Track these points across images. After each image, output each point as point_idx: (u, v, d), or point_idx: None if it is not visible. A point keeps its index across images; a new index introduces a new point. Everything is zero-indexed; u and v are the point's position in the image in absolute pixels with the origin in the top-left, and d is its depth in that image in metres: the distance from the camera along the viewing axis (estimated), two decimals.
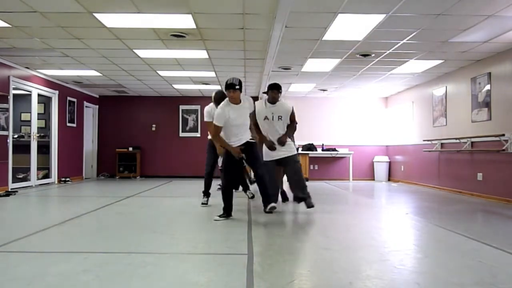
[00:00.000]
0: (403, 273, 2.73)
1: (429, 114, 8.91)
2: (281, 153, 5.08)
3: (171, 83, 9.65)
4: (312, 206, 5.02)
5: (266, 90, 5.28)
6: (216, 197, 5.36)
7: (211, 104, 5.55)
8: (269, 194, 4.77)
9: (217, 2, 4.56)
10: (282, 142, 5.03)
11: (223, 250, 3.27)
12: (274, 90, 5.12)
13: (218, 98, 5.30)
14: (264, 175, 4.73)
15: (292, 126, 5.22)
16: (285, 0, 4.25)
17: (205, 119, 5.58)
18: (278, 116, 5.07)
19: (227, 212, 4.64)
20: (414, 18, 4.94)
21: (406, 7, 4.57)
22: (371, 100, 11.49)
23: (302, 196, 5.05)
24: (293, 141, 5.45)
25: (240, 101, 4.54)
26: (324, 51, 6.54)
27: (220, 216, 4.59)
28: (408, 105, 10.09)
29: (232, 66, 7.74)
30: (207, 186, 5.68)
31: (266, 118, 5.07)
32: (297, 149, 5.35)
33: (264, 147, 5.14)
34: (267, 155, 5.12)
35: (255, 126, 5.16)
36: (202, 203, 5.61)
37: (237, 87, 4.39)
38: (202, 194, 5.69)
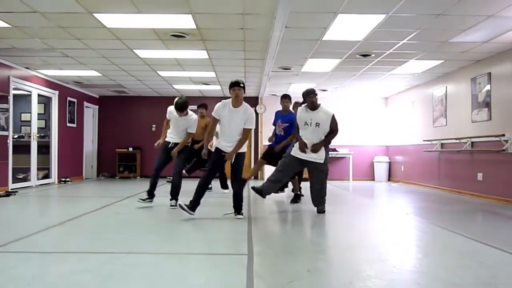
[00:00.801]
0: (403, 273, 2.73)
1: (429, 114, 8.90)
2: (309, 155, 5.00)
3: (171, 83, 9.65)
4: (323, 212, 5.10)
5: (303, 100, 5.16)
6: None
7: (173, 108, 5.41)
8: (240, 203, 4.72)
9: (217, 2, 4.56)
10: (314, 150, 4.96)
11: (223, 250, 3.27)
12: (311, 95, 5.00)
13: (182, 103, 5.23)
14: (239, 189, 4.69)
15: (330, 136, 5.03)
16: (285, 0, 4.26)
17: (167, 116, 5.53)
18: (316, 123, 4.96)
19: (195, 205, 4.59)
20: (414, 18, 4.94)
21: (406, 7, 4.57)
22: (371, 100, 11.49)
23: (317, 206, 5.17)
24: (328, 148, 5.22)
25: (240, 106, 4.54)
26: (324, 51, 6.54)
27: (185, 205, 4.56)
28: (408, 105, 10.09)
29: (232, 66, 7.74)
30: (152, 185, 5.50)
31: (305, 124, 5.01)
32: (327, 157, 5.15)
33: (296, 145, 5.11)
34: (295, 151, 5.07)
35: (296, 129, 5.19)
36: (140, 199, 5.48)
37: (242, 85, 4.50)
38: (172, 198, 5.43)
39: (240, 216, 4.63)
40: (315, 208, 5.16)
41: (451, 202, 6.50)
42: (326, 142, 5.03)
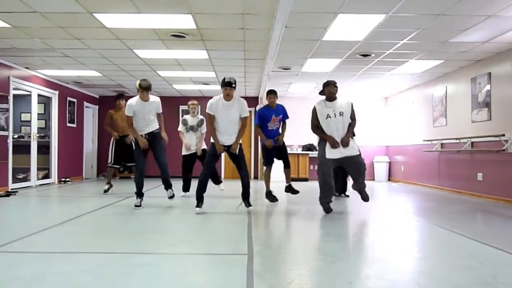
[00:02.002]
0: (403, 273, 2.73)
1: (429, 114, 8.90)
2: (343, 151, 4.91)
3: (171, 83, 9.65)
4: (367, 200, 5.21)
5: (321, 89, 5.12)
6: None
7: (135, 98, 5.22)
8: (248, 193, 5.14)
9: (217, 2, 4.56)
10: (345, 143, 4.88)
11: (223, 250, 3.27)
12: (331, 85, 4.97)
13: (148, 83, 5.12)
14: (247, 177, 5.09)
15: (351, 126, 5.02)
16: (285, 0, 4.26)
17: (126, 113, 5.21)
18: (340, 112, 4.91)
19: (200, 200, 4.95)
20: (414, 18, 4.94)
21: (406, 7, 4.57)
22: (371, 100, 11.49)
23: (364, 197, 5.22)
24: (353, 138, 5.18)
25: (232, 100, 4.83)
26: (324, 51, 6.54)
27: (199, 207, 4.92)
28: (408, 105, 10.09)
29: (232, 66, 7.74)
30: (141, 187, 5.36)
31: (328, 116, 4.91)
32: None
33: (327, 144, 4.95)
34: (329, 152, 4.94)
35: (316, 128, 5.05)
36: (136, 206, 5.29)
37: (234, 85, 4.78)
38: (135, 196, 5.38)
39: (250, 206, 5.07)
40: (318, 208, 5.13)
41: (451, 202, 6.50)
42: (350, 132, 4.97)
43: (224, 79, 4.78)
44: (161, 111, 5.45)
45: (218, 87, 10.02)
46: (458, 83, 7.75)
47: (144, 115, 5.23)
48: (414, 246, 3.65)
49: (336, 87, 5.01)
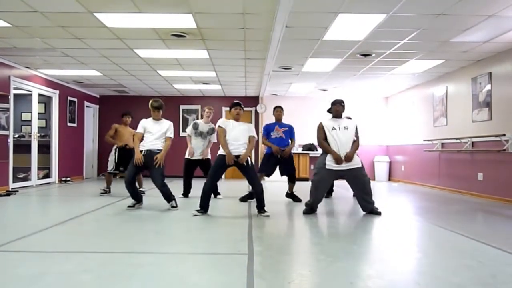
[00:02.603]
0: (403, 273, 2.73)
1: (430, 114, 8.90)
2: (346, 164, 4.98)
3: (171, 83, 9.65)
4: (379, 213, 5.07)
5: (329, 108, 5.33)
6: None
7: (149, 118, 5.42)
8: (262, 202, 4.97)
9: (218, 2, 4.56)
10: (349, 158, 4.96)
11: (223, 250, 3.27)
12: (337, 104, 5.20)
13: (161, 103, 5.39)
14: (259, 186, 4.99)
15: (356, 143, 5.13)
16: (285, 0, 4.26)
17: (137, 129, 5.41)
18: (344, 127, 5.11)
19: (205, 208, 4.94)
20: (414, 18, 4.94)
21: (406, 7, 4.57)
22: (371, 100, 11.49)
23: (370, 209, 5.12)
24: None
25: (241, 121, 5.13)
26: (325, 51, 6.54)
27: (198, 211, 4.89)
28: (409, 105, 10.08)
29: (232, 66, 7.74)
30: (130, 194, 5.35)
31: (333, 128, 5.08)
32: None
33: (328, 156, 5.00)
34: (329, 163, 4.98)
35: (323, 141, 5.10)
36: (128, 206, 5.34)
37: (242, 106, 5.15)
38: (134, 201, 5.39)
39: (267, 214, 4.90)
40: (318, 208, 5.14)
41: (451, 202, 6.50)
42: (354, 149, 5.06)
43: (234, 101, 5.17)
44: (171, 135, 5.45)
45: (219, 87, 10.13)
46: (459, 83, 7.75)
47: (152, 132, 5.36)
48: (414, 246, 3.65)
49: (343, 106, 5.24)
